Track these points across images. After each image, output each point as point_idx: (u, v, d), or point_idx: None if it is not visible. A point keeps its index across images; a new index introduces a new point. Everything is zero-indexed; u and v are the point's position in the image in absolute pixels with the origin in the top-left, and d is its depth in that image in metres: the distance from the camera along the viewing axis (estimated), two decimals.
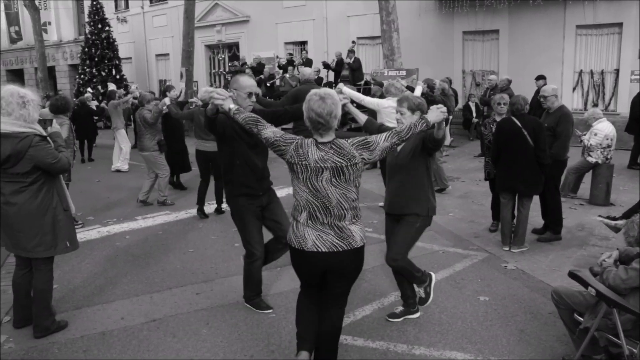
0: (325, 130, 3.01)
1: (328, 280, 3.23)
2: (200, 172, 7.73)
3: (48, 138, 4.00)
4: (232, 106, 3.43)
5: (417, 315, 4.34)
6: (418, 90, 7.56)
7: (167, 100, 8.08)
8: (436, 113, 3.28)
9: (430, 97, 8.66)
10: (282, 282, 5.13)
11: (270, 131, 3.18)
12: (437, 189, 8.97)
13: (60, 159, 3.93)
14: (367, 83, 14.63)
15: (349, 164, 2.98)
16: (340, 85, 5.41)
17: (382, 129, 4.09)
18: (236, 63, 19.79)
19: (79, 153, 13.56)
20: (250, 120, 3.28)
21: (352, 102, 4.57)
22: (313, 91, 3.07)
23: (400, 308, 4.38)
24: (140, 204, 8.32)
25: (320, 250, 3.05)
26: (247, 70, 16.84)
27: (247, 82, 4.15)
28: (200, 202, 7.70)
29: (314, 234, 3.06)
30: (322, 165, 2.98)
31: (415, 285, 4.33)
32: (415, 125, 3.17)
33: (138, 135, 8.33)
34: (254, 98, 4.14)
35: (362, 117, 4.27)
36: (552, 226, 6.26)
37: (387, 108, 7.25)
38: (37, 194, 3.91)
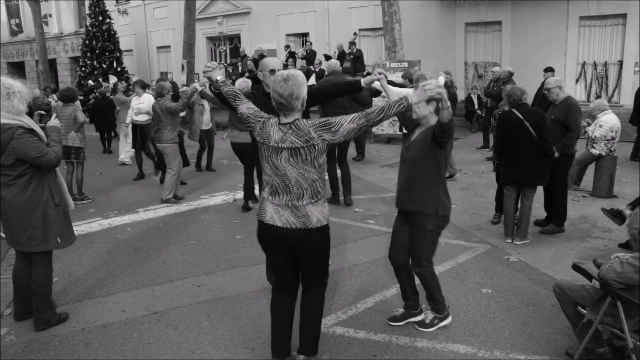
0: (289, 111, 3.04)
1: (297, 259, 3.28)
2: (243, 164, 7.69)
3: (38, 131, 3.93)
4: (219, 77, 3.58)
5: (419, 318, 4.12)
6: (441, 81, 7.52)
7: (197, 85, 7.97)
8: (420, 91, 3.12)
9: (450, 90, 8.54)
10: None
11: (245, 107, 3.31)
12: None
13: (46, 153, 3.85)
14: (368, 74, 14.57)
15: (305, 145, 3.00)
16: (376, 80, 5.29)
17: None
18: (234, 61, 19.80)
19: (101, 144, 13.56)
20: (231, 94, 3.42)
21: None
22: (279, 72, 3.11)
23: (401, 310, 4.19)
24: (174, 200, 8.07)
25: (276, 224, 3.14)
26: (249, 62, 16.78)
27: (271, 61, 4.35)
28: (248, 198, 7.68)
29: (273, 208, 3.16)
30: (281, 146, 3.04)
31: (429, 312, 4.16)
32: (390, 106, 3.03)
33: (157, 127, 8.02)
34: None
35: (392, 97, 4.02)
36: (556, 219, 6.23)
37: None
38: (25, 188, 3.87)
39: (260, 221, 3.24)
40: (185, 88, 8.29)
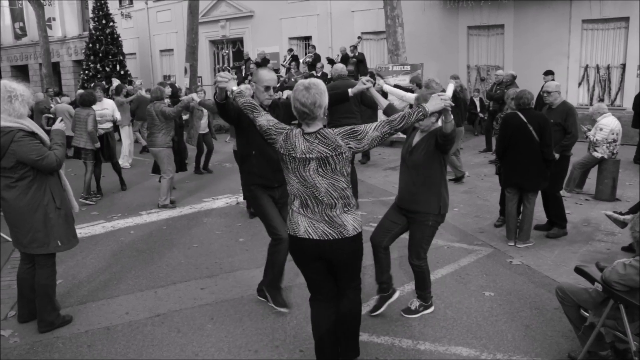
0: (311, 120, 2.99)
1: (332, 271, 3.24)
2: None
3: (41, 134, 3.94)
4: (235, 88, 3.47)
5: (394, 297, 4.36)
6: (450, 89, 7.55)
7: (194, 95, 8.01)
8: (436, 101, 3.12)
9: (458, 95, 8.51)
10: (286, 277, 5.10)
11: (264, 119, 3.21)
12: (452, 179, 8.99)
13: (46, 156, 3.84)
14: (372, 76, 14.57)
15: (334, 153, 2.95)
16: (381, 82, 5.42)
17: None
18: (237, 64, 19.85)
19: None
20: (248, 106, 3.32)
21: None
22: (300, 81, 3.07)
23: (376, 297, 4.41)
24: (171, 206, 8.03)
25: (311, 237, 3.05)
26: (252, 66, 16.81)
27: (266, 75, 4.13)
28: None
29: (306, 222, 3.07)
30: (308, 156, 2.97)
31: (415, 299, 4.39)
32: (410, 114, 3.04)
33: (151, 131, 7.96)
34: (271, 92, 4.12)
35: (383, 103, 4.30)
36: (558, 221, 6.24)
37: None
38: (27, 190, 3.88)
39: (294, 236, 3.14)
40: (184, 97, 8.31)
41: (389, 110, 4.25)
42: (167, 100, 8.20)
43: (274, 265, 4.43)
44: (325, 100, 3.00)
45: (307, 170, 3.00)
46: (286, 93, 8.05)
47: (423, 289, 4.28)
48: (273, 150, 4.21)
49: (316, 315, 3.33)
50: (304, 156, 2.98)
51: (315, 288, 3.32)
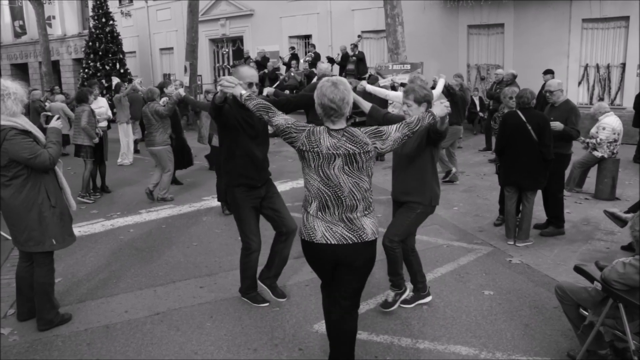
0: (338, 117, 2.98)
1: (338, 275, 3.14)
2: (216, 171, 7.59)
3: (35, 133, 3.92)
4: (244, 92, 3.41)
5: (428, 299, 4.47)
6: (440, 84, 7.44)
7: (181, 91, 8.07)
8: (440, 107, 3.34)
9: (452, 91, 8.57)
10: (286, 276, 5.11)
11: (282, 118, 3.14)
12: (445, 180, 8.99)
13: (39, 154, 3.81)
14: (370, 76, 14.57)
15: (361, 151, 2.93)
16: (364, 83, 5.44)
17: (387, 117, 4.23)
18: (237, 63, 19.86)
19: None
20: (262, 107, 3.23)
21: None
22: (325, 78, 3.06)
23: (411, 294, 4.47)
24: (149, 194, 8.17)
25: (329, 242, 2.99)
26: (252, 64, 16.81)
27: (248, 72, 4.13)
28: (223, 200, 7.51)
29: (324, 226, 3.01)
30: (335, 152, 2.93)
31: (389, 291, 4.42)
32: (424, 117, 3.18)
33: (149, 131, 8.08)
34: (254, 88, 4.11)
35: (366, 105, 4.34)
36: (554, 221, 6.24)
37: None
38: (21, 189, 3.87)
39: (309, 242, 3.06)
40: (178, 90, 8.35)
41: (374, 112, 4.34)
42: (163, 100, 8.21)
43: (245, 277, 4.53)
44: (352, 97, 3.02)
45: (332, 167, 2.96)
46: (266, 90, 8.04)
47: (394, 274, 4.31)
48: (258, 149, 4.22)
49: (328, 301, 3.34)
50: (330, 152, 2.94)
51: (327, 281, 3.30)
